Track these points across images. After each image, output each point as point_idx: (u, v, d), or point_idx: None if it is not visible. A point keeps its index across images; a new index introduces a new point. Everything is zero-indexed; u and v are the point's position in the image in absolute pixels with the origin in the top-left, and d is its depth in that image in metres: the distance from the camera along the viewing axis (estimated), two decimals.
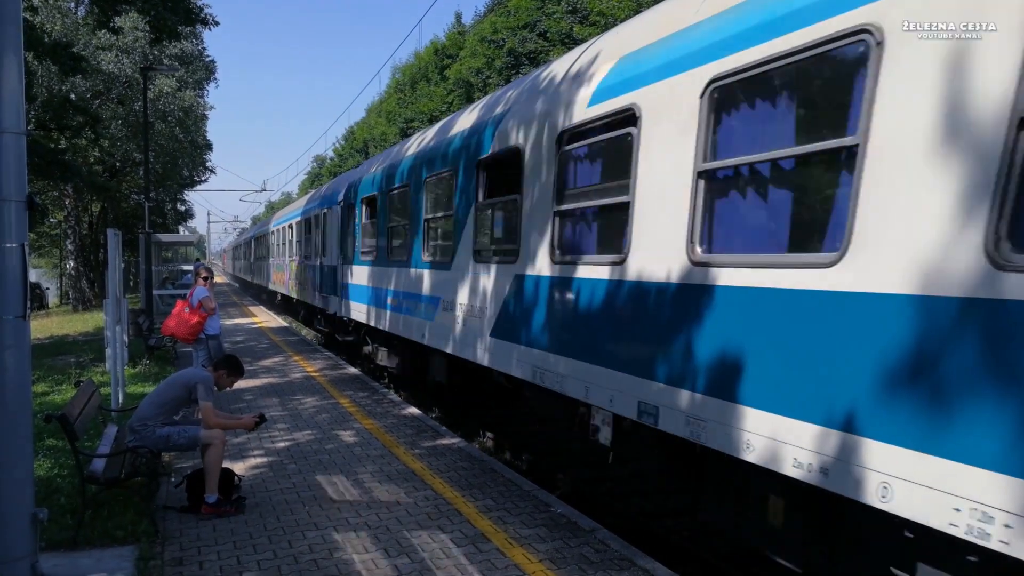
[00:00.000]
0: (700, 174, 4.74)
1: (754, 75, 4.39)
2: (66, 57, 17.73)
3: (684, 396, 4.72)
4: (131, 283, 31.33)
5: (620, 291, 5.41)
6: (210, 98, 39.55)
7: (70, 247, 33.77)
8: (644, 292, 5.15)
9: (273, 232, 28.93)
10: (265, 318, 27.27)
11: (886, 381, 3.47)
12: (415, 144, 11.20)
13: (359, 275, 13.81)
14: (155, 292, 25.23)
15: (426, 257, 9.84)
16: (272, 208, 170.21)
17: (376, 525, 5.91)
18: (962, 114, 3.26)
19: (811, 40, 3.96)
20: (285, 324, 25.28)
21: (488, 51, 38.29)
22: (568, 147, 6.29)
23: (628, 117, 5.45)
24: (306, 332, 26.58)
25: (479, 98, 37.98)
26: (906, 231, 3.44)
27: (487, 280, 7.78)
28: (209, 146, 44.62)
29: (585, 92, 6.07)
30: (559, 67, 7.09)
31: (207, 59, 34.26)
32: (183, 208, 54.77)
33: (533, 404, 7.55)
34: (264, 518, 6.12)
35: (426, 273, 9.77)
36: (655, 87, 5.18)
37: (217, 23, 18.45)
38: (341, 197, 15.57)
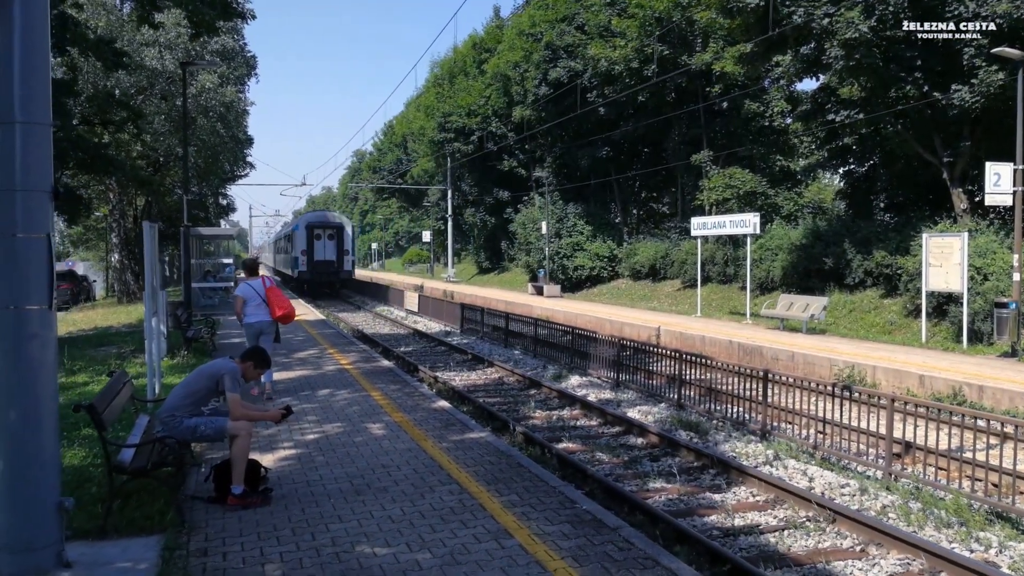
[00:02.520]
0: None
1: None
2: (109, 53, 18.06)
3: None
4: (175, 276, 31.87)
5: None
6: (251, 93, 39.91)
7: (115, 240, 34.47)
8: None
9: (277, 240, 58.34)
10: (303, 311, 27.54)
11: None
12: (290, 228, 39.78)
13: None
14: (195, 285, 25.68)
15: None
16: (313, 203, 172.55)
17: (400, 519, 5.87)
18: None
19: None
20: (323, 317, 25.51)
21: (526, 44, 38.17)
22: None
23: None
24: (343, 326, 26.78)
25: (516, 91, 37.92)
26: None
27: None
28: (250, 141, 45.20)
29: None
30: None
31: (248, 54, 34.67)
32: (224, 202, 55.63)
33: None
34: (289, 510, 6.13)
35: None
36: None
37: (254, 16, 18.67)
38: (288, 232, 40.75)
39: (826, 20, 19.03)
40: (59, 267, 56.11)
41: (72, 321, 26.40)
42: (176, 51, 27.45)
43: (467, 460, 7.53)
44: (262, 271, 11.81)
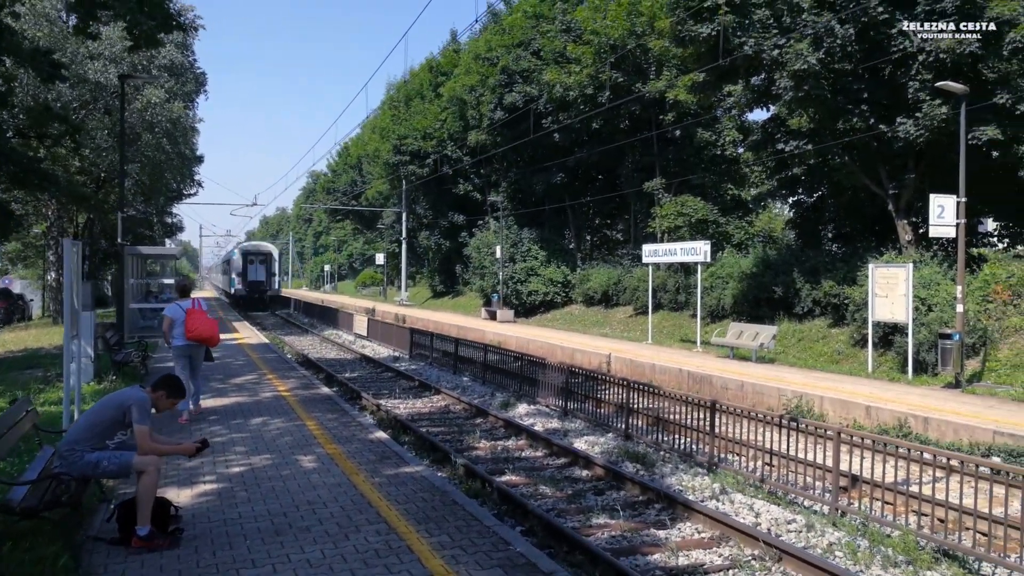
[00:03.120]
0: None
1: None
2: (46, 64, 17.35)
3: None
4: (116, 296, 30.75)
5: None
6: (200, 110, 39.18)
7: (52, 258, 33.29)
8: None
9: (221, 264, 73.88)
10: (247, 334, 26.79)
11: None
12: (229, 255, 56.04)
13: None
14: (134, 305, 24.77)
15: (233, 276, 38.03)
16: (267, 223, 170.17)
17: (319, 563, 5.45)
18: None
19: None
20: (266, 341, 24.81)
21: (482, 69, 38.09)
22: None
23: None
24: (287, 350, 26.09)
25: (472, 115, 37.83)
26: None
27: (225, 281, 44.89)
28: (199, 159, 44.30)
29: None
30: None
31: (198, 70, 33.95)
32: (173, 221, 54.37)
33: None
34: (199, 553, 5.66)
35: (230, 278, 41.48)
36: None
37: (204, 28, 18.23)
38: (228, 258, 57.70)
39: (776, 51, 19.20)
40: None
41: (2, 342, 25.31)
42: (121, 65, 26.71)
43: (399, 496, 7.12)
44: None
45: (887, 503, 8.39)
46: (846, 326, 20.65)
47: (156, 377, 6.61)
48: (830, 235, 27.92)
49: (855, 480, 9.06)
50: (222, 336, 25.16)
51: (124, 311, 18.94)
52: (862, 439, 8.55)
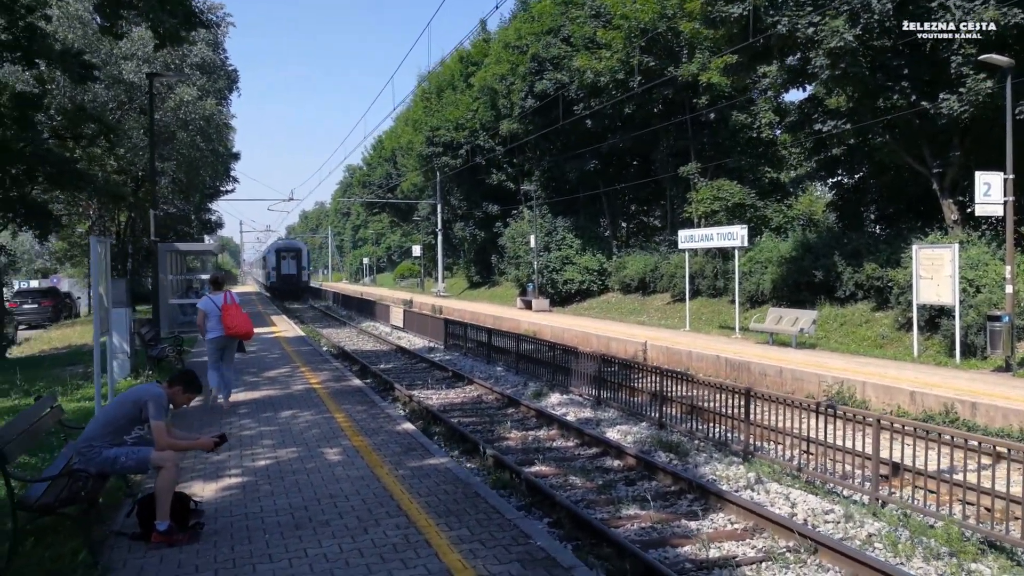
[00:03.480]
0: None
1: None
2: (76, 65, 17.60)
3: None
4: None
5: None
6: (234, 107, 39.53)
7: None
8: None
9: (260, 260, 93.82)
10: (284, 327, 27.01)
11: None
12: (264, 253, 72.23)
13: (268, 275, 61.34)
14: (174, 301, 25.14)
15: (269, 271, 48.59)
16: (307, 218, 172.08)
17: (336, 557, 5.36)
18: None
19: None
20: (302, 334, 24.97)
21: (512, 57, 37.85)
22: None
23: None
24: (324, 342, 26.25)
25: (503, 104, 37.65)
26: None
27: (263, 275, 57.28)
28: (235, 155, 44.77)
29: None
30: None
31: (229, 68, 34.22)
32: (214, 218, 55.12)
33: None
34: (218, 548, 5.60)
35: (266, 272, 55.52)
36: None
37: (233, 24, 18.33)
38: (264, 255, 73.76)
39: (811, 29, 18.67)
40: (43, 284, 55.39)
41: (48, 339, 25.87)
42: (154, 64, 27.00)
43: (422, 489, 7.01)
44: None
45: (930, 492, 8.07)
46: (890, 310, 20.09)
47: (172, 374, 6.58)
48: (872, 216, 27.23)
49: (896, 468, 8.74)
50: (259, 330, 25.52)
51: (160, 307, 19.11)
52: (903, 425, 8.23)
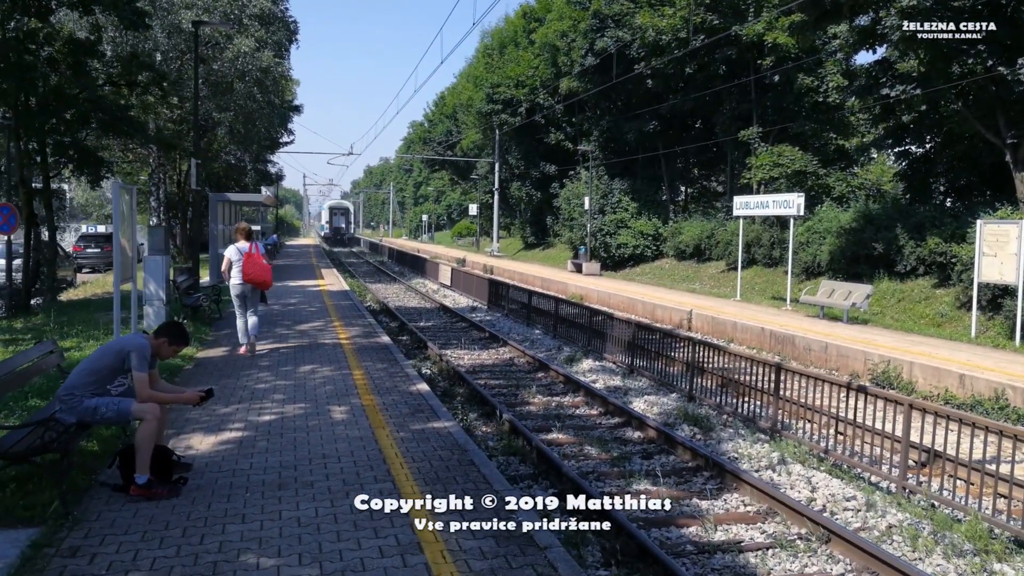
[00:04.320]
0: None
1: None
2: (128, 11, 17.65)
3: None
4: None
5: None
6: (293, 59, 39.56)
7: (154, 204, 34.63)
8: None
9: (318, 215, 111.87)
10: (331, 281, 27.20)
11: None
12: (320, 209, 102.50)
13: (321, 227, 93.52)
14: (222, 251, 25.44)
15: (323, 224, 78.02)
16: (371, 172, 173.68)
17: (308, 522, 5.21)
18: None
19: None
20: (347, 288, 25.08)
21: (574, 13, 36.95)
22: None
23: None
24: (370, 297, 26.35)
25: (563, 62, 36.82)
26: None
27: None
28: (297, 108, 45.00)
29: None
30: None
31: (289, 19, 34.19)
32: (274, 170, 55.73)
33: None
34: (195, 505, 5.51)
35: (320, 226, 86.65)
36: None
37: None
38: (319, 212, 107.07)
39: None
40: (108, 229, 57.06)
41: (103, 284, 26.55)
42: (214, 14, 27.07)
43: (417, 454, 6.82)
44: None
45: (961, 481, 7.55)
46: (952, 287, 19.09)
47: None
48: (942, 188, 25.85)
49: (929, 455, 8.22)
50: (305, 283, 25.72)
51: (198, 256, 19.31)
52: (935, 411, 7.70)
